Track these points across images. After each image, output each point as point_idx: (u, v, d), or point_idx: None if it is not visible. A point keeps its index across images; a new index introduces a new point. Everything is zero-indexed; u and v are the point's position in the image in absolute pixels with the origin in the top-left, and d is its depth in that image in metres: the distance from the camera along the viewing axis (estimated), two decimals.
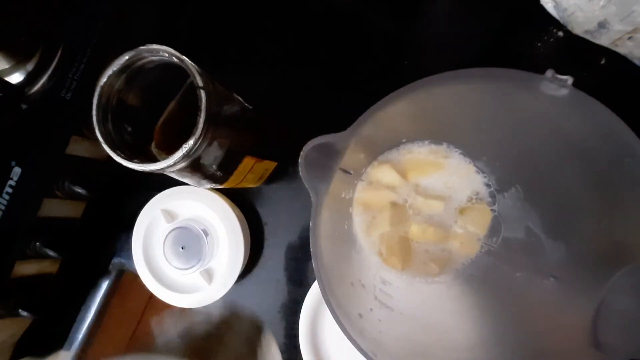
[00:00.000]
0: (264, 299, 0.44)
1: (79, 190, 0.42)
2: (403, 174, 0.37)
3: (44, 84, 0.37)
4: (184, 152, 0.28)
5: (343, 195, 0.36)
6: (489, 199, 0.36)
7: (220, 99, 0.30)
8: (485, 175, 0.36)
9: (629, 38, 0.33)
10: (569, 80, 0.24)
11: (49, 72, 0.38)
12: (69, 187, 0.41)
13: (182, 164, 0.29)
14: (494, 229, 0.36)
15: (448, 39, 0.42)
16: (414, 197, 0.37)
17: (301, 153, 0.28)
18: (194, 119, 0.28)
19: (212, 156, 0.31)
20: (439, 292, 0.36)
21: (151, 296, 0.44)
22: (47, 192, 0.40)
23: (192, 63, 0.28)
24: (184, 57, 0.28)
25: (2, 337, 0.41)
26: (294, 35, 0.45)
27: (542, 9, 0.37)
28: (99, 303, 0.48)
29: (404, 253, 0.36)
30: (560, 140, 0.27)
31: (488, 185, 0.36)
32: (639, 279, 0.23)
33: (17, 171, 0.36)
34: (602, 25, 0.33)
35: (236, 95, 0.34)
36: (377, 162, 0.37)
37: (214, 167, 0.32)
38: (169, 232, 0.42)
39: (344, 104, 0.35)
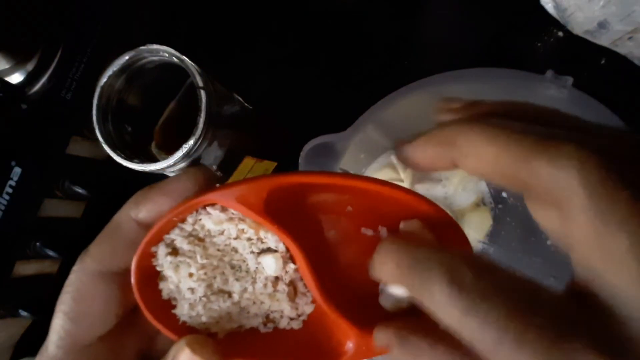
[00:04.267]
0: None
1: (79, 190, 0.42)
2: (403, 175, 0.37)
3: (44, 84, 0.37)
4: (184, 152, 0.28)
5: None
6: (489, 199, 0.36)
7: (220, 99, 0.30)
8: None
9: (629, 38, 0.33)
10: (569, 80, 0.24)
11: (49, 72, 0.37)
12: (69, 187, 0.41)
13: (182, 164, 0.29)
14: (494, 229, 0.36)
15: (448, 39, 0.42)
16: None
17: (301, 153, 0.28)
18: (194, 119, 0.28)
19: (212, 156, 0.31)
20: None
21: None
22: (47, 192, 0.40)
23: (192, 63, 0.28)
24: (184, 57, 0.28)
25: (2, 337, 0.41)
26: (294, 35, 0.45)
27: (542, 9, 0.37)
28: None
29: None
30: None
31: (488, 185, 0.36)
32: None
33: (17, 171, 0.36)
34: (602, 25, 0.33)
35: (236, 95, 0.34)
36: (377, 162, 0.37)
37: (214, 167, 0.32)
38: None
39: (344, 104, 0.35)
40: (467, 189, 0.36)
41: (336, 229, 0.19)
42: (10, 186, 0.36)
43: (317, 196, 0.18)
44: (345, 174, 0.17)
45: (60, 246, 0.41)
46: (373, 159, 0.37)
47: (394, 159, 0.37)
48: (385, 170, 0.37)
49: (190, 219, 0.18)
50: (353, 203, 0.18)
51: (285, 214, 0.17)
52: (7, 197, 0.36)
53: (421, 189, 0.37)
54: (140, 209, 0.18)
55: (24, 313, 0.40)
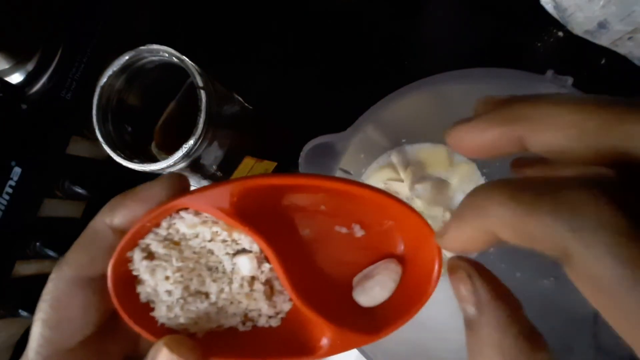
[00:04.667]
0: None
1: (79, 190, 0.42)
2: (402, 175, 0.37)
3: (44, 84, 0.37)
4: (184, 152, 0.28)
5: None
6: None
7: (220, 99, 0.30)
8: (485, 175, 0.36)
9: (629, 38, 0.33)
10: (569, 80, 0.24)
11: (49, 72, 0.37)
12: (69, 187, 0.41)
13: (182, 164, 0.29)
14: None
15: (448, 39, 0.42)
16: (413, 200, 0.37)
17: (301, 153, 0.28)
18: (194, 119, 0.28)
19: (212, 156, 0.31)
20: (439, 292, 0.36)
21: None
22: (47, 192, 0.40)
23: (192, 63, 0.28)
24: (184, 57, 0.28)
25: (2, 337, 0.41)
26: (294, 35, 0.45)
27: (542, 9, 0.37)
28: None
29: None
30: None
31: None
32: None
33: (17, 171, 0.36)
34: (602, 25, 0.33)
35: (236, 95, 0.34)
36: (377, 162, 0.37)
37: (214, 167, 0.32)
38: None
39: (344, 104, 0.35)
40: (467, 190, 0.36)
41: (311, 227, 0.19)
42: (10, 186, 0.36)
43: (290, 196, 0.19)
44: (314, 175, 0.18)
45: (60, 246, 0.41)
46: (373, 159, 0.37)
47: (394, 158, 0.37)
48: (385, 170, 0.37)
49: (164, 224, 0.18)
50: (326, 202, 0.19)
51: (258, 214, 0.18)
52: (7, 197, 0.36)
53: (421, 189, 0.37)
54: (115, 215, 0.18)
55: (24, 313, 0.40)
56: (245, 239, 0.18)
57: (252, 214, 0.17)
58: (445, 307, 0.35)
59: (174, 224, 0.18)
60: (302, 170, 0.29)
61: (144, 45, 0.29)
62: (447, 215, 0.36)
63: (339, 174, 0.32)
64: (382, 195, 0.17)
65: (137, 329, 0.18)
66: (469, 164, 0.36)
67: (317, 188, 0.18)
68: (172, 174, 0.19)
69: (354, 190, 0.17)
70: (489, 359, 0.13)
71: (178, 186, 0.18)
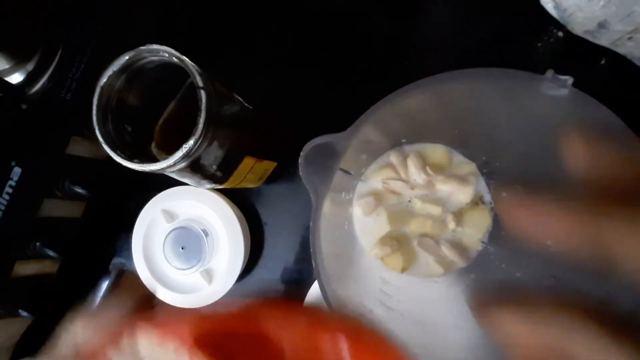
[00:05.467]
0: None
1: (79, 190, 0.42)
2: (402, 175, 0.37)
3: (44, 84, 0.37)
4: (184, 152, 0.28)
5: (343, 196, 0.36)
6: (489, 199, 0.36)
7: (220, 99, 0.30)
8: (485, 175, 0.36)
9: (629, 38, 0.33)
10: (569, 80, 0.24)
11: (49, 72, 0.37)
12: (69, 187, 0.41)
13: (182, 164, 0.29)
14: (495, 229, 0.36)
15: (448, 39, 0.42)
16: (412, 200, 0.37)
17: (301, 153, 0.28)
18: (194, 119, 0.28)
19: (212, 156, 0.31)
20: (439, 292, 0.36)
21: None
22: (47, 192, 0.40)
23: (192, 63, 0.28)
24: (184, 57, 0.28)
25: (2, 337, 0.41)
26: (294, 35, 0.45)
27: (542, 9, 0.37)
28: (98, 303, 0.48)
29: (405, 255, 0.36)
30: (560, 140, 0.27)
31: (488, 185, 0.36)
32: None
33: (17, 171, 0.36)
34: (602, 25, 0.33)
35: (236, 95, 0.34)
36: (377, 162, 0.37)
37: (214, 167, 0.32)
38: (169, 232, 0.42)
39: (344, 104, 0.35)
40: (466, 190, 0.36)
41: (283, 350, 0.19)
42: (10, 186, 0.36)
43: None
44: (278, 317, 0.18)
45: (60, 246, 0.41)
46: (373, 159, 0.37)
47: (393, 159, 0.37)
48: (385, 170, 0.37)
49: (126, 343, 0.18)
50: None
51: (222, 339, 0.18)
52: (7, 197, 0.36)
53: (419, 193, 0.37)
54: (77, 337, 0.19)
55: (24, 313, 0.40)
56: None
57: (213, 341, 0.17)
58: (445, 307, 0.35)
59: (135, 345, 0.18)
60: (302, 170, 0.29)
61: (144, 45, 0.28)
62: (448, 217, 0.36)
63: (339, 174, 0.32)
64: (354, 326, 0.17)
65: None
66: (469, 163, 0.36)
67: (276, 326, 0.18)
68: (129, 296, 0.19)
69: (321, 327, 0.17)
70: None
71: (136, 306, 0.19)
